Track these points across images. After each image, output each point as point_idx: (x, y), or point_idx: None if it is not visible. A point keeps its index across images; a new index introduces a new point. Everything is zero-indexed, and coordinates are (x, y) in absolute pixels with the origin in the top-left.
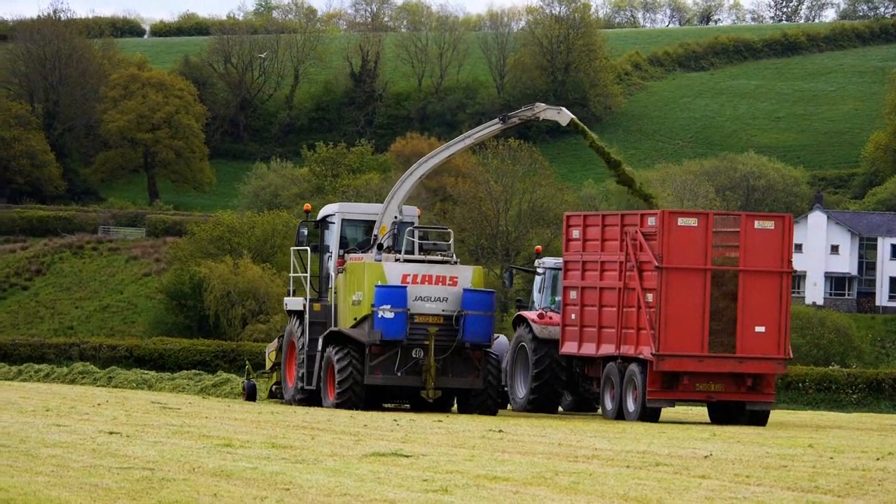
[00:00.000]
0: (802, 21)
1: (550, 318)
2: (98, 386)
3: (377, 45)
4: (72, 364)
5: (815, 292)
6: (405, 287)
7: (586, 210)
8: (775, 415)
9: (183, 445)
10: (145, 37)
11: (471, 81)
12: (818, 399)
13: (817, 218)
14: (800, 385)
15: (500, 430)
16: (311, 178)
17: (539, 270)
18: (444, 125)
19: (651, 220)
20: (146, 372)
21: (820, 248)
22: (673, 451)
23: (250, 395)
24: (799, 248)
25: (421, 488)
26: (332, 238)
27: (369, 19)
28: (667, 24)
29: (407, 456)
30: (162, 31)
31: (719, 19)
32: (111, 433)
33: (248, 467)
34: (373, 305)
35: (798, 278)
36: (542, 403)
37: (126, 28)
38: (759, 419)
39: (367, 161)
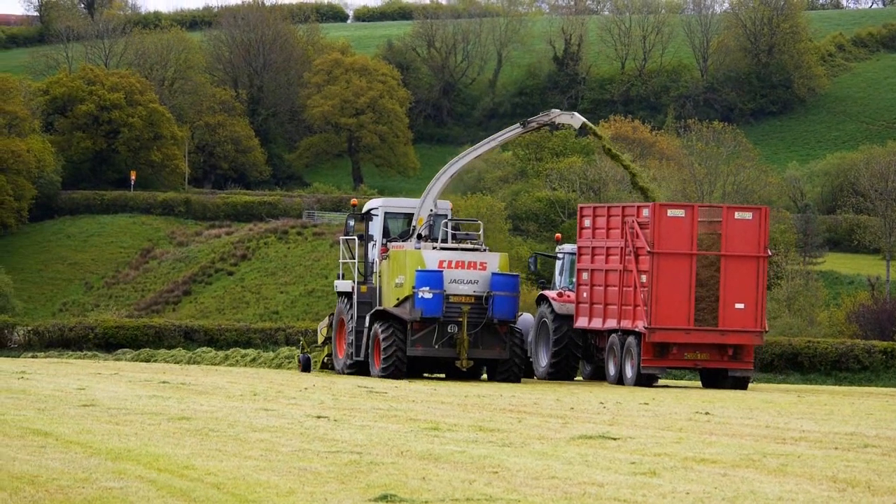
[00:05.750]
0: None
1: (568, 296)
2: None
3: (580, 28)
4: (278, 349)
5: None
6: (442, 271)
7: (791, 192)
8: None
9: (390, 429)
10: (349, 22)
11: (675, 65)
12: None
13: None
14: None
15: (707, 413)
16: (514, 161)
17: (559, 255)
18: (647, 108)
19: (645, 212)
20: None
21: None
22: (881, 432)
23: (305, 366)
24: None
25: (629, 471)
26: (376, 229)
27: (572, 2)
28: (870, 4)
29: (614, 439)
30: (365, 16)
31: None
32: (319, 417)
33: (455, 451)
34: (414, 287)
35: None
36: (561, 372)
37: (330, 13)
38: (741, 384)
39: (570, 144)
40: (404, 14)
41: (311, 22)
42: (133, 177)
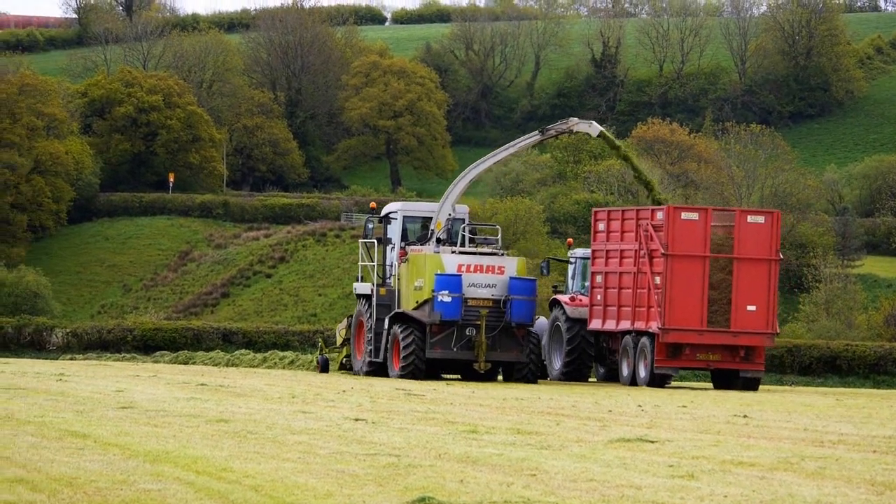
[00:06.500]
0: None
1: (581, 300)
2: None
3: (618, 30)
4: (316, 351)
5: None
6: (461, 275)
7: (829, 195)
8: None
9: (428, 432)
10: (387, 24)
11: (713, 67)
12: None
13: None
14: None
15: (745, 416)
16: (552, 164)
17: (571, 260)
18: (685, 111)
19: (660, 215)
20: None
21: None
22: None
23: (323, 367)
24: None
25: (667, 474)
26: (395, 232)
27: (610, 5)
28: None
29: (652, 441)
30: (403, 18)
31: None
32: (357, 420)
33: (493, 453)
34: (433, 291)
35: None
36: (574, 374)
37: (368, 16)
38: (752, 385)
39: (608, 147)
40: (442, 16)
41: (349, 24)
42: (171, 179)
